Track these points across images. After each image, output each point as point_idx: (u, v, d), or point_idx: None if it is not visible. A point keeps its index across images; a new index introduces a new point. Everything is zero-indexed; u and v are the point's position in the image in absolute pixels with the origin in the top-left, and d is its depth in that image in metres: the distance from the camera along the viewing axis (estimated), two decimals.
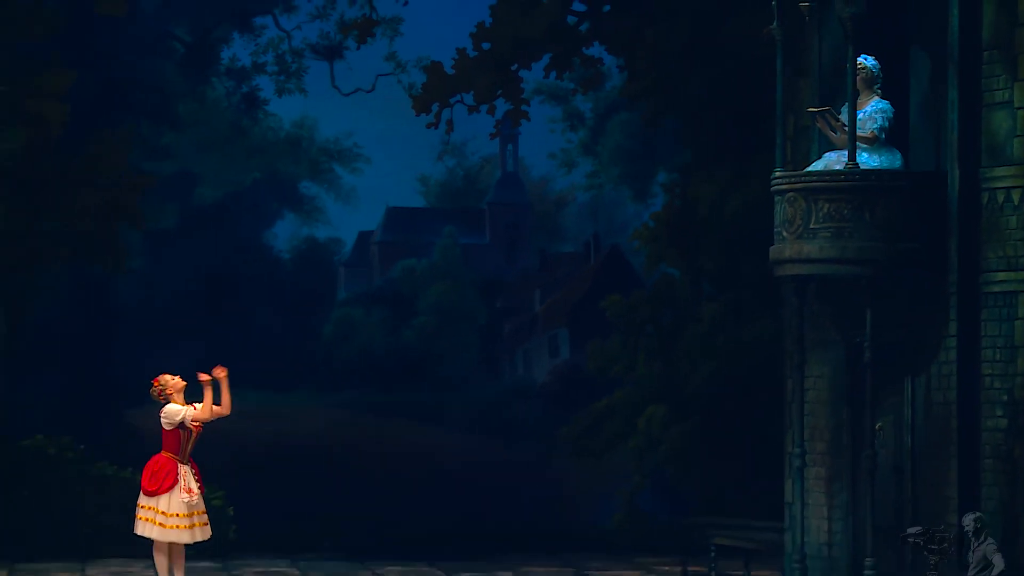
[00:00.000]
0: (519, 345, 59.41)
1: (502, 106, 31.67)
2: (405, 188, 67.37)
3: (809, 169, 21.74)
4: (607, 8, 30.23)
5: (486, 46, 30.68)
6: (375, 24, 34.83)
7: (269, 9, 46.67)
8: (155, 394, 21.84)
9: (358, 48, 35.69)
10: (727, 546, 24.75)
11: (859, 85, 21.51)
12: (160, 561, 21.61)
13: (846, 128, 21.36)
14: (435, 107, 31.44)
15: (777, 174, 22.03)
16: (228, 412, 21.85)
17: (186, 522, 21.37)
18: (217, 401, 21.63)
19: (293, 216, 59.37)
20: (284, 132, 55.44)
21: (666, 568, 26.46)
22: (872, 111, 21.54)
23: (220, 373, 21.58)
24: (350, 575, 26.06)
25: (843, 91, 21.61)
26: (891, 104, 21.66)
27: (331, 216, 61.97)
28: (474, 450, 46.30)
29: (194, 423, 21.48)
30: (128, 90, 37.62)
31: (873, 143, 21.48)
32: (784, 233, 21.77)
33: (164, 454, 21.66)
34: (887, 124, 21.56)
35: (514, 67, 30.85)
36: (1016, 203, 20.83)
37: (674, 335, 30.19)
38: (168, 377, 21.77)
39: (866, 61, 21.55)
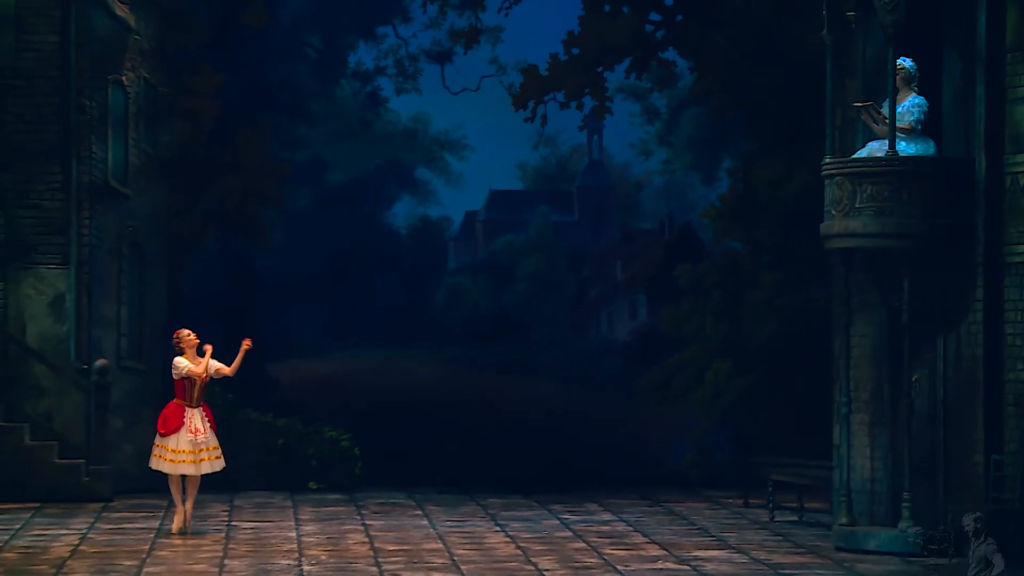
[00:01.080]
0: (603, 308, 59.27)
1: (589, 103, 31.78)
2: (505, 173, 67.21)
3: (855, 156, 21.65)
4: (679, 18, 30.22)
5: (575, 51, 30.78)
6: (480, 32, 34.94)
7: (389, 20, 46.73)
8: (174, 344, 22.77)
9: (465, 53, 35.94)
10: (783, 482, 24.80)
11: (898, 83, 21.41)
12: (174, 491, 22.60)
13: (887, 120, 21.26)
14: (531, 104, 31.62)
15: (827, 160, 21.99)
16: (232, 374, 22.98)
17: (191, 457, 22.40)
18: (228, 364, 22.79)
19: (409, 198, 59.32)
20: (402, 126, 55.39)
21: (730, 501, 26.48)
22: (910, 105, 21.44)
23: (246, 345, 22.75)
24: (458, 506, 26.11)
25: (884, 88, 21.50)
26: (926, 99, 21.55)
27: (442, 198, 61.85)
28: (563, 399, 46.26)
29: (197, 375, 22.36)
30: (268, 90, 37.73)
31: (910, 133, 21.38)
32: (833, 211, 21.72)
33: (174, 400, 22.57)
34: (922, 117, 21.47)
35: (599, 69, 30.92)
36: None
37: (737, 300, 30.14)
38: (185, 333, 22.75)
39: (904, 62, 21.44)
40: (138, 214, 28.62)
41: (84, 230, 26.82)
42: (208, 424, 22.71)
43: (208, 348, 22.69)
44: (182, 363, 22.42)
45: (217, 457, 22.81)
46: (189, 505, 22.69)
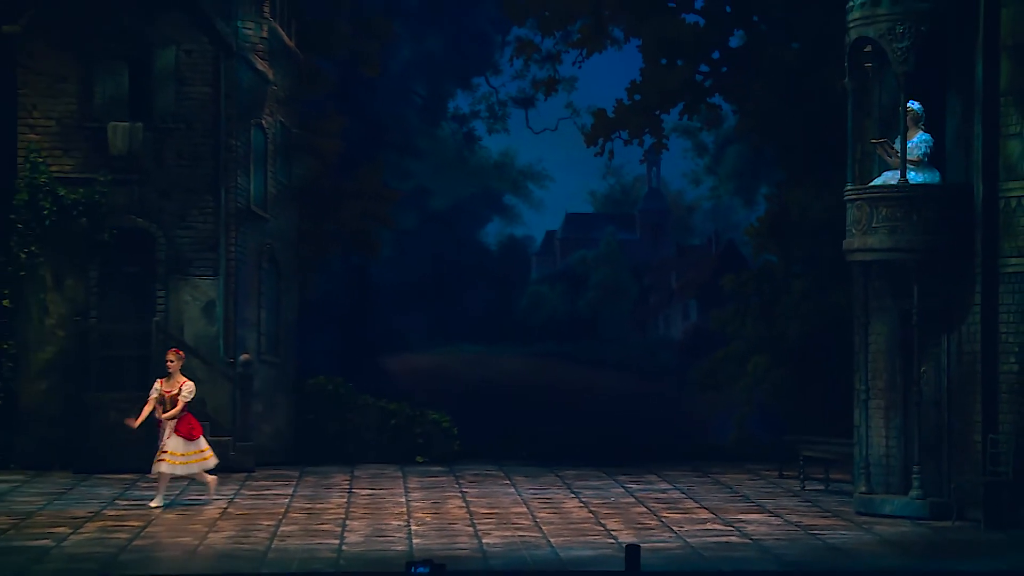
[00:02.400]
0: (660, 311, 59.15)
1: (648, 140, 31.76)
2: (579, 199, 67.15)
3: (872, 184, 21.61)
4: (724, 69, 30.17)
5: (637, 97, 30.75)
6: (557, 82, 34.96)
7: (482, 72, 46.83)
8: (173, 362, 21.66)
9: (546, 99, 35.98)
10: (812, 457, 24.72)
11: (908, 122, 21.33)
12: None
13: (899, 154, 21.22)
14: (600, 141, 31.60)
15: (848, 187, 21.96)
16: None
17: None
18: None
19: (499, 219, 59.38)
20: (493, 160, 55.48)
21: (767, 473, 26.36)
22: (918, 141, 21.37)
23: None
24: (539, 476, 26.06)
25: (897, 127, 21.46)
26: (931, 136, 21.47)
27: (526, 220, 61.87)
28: (626, 386, 46.15)
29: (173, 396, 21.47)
30: (382, 130, 37.90)
31: (919, 165, 21.31)
32: (854, 230, 21.68)
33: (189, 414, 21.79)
34: (929, 151, 21.40)
35: (657, 112, 30.89)
36: None
37: (773, 304, 30.03)
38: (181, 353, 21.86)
39: (913, 104, 21.35)
40: (274, 234, 28.78)
41: (231, 247, 26.94)
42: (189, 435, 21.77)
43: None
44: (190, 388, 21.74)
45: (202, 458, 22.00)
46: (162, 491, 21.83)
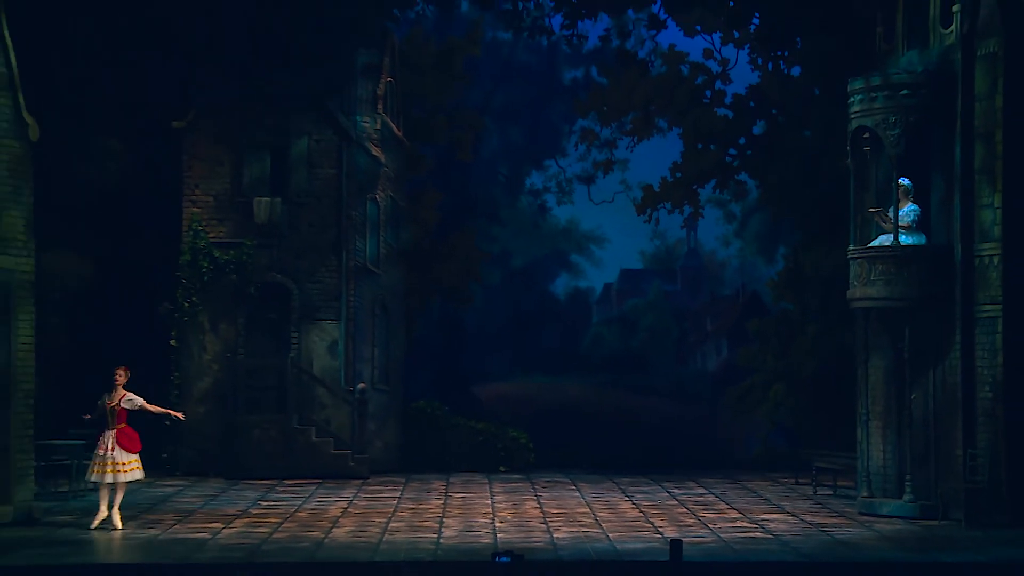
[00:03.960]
0: (697, 349, 59.12)
1: (687, 210, 31.72)
2: (631, 257, 67.45)
3: (870, 245, 21.52)
4: (749, 152, 30.13)
5: (679, 175, 30.74)
6: (613, 163, 35.08)
7: (552, 155, 47.28)
8: (119, 377, 18.92)
9: (604, 177, 36.21)
10: (822, 467, 24.51)
11: (900, 195, 21.27)
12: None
13: (892, 221, 21.15)
14: (648, 210, 31.56)
15: (851, 248, 21.87)
16: (145, 409, 18.95)
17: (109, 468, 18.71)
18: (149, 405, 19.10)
19: (566, 274, 59.77)
20: (561, 226, 55.96)
21: (785, 480, 26.08)
22: (908, 211, 21.26)
23: (178, 415, 19.57)
24: (599, 482, 25.91)
25: (890, 199, 21.42)
26: (919, 206, 21.35)
27: (588, 274, 62.24)
28: (670, 410, 46.11)
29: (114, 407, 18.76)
30: (472, 203, 38.15)
31: (908, 230, 21.20)
32: (855, 282, 21.58)
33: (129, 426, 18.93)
34: (916, 218, 21.30)
35: (694, 187, 30.88)
36: (996, 264, 20.45)
37: (789, 343, 29.83)
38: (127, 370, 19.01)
39: (904, 181, 21.26)
40: (385, 286, 28.82)
41: (350, 297, 26.98)
42: (116, 443, 18.75)
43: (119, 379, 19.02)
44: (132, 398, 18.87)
45: (126, 470, 18.76)
46: (103, 507, 18.90)
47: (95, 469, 18.75)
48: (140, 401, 18.95)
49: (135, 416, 19.14)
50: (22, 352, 21.06)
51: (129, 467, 18.69)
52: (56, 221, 24.35)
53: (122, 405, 18.74)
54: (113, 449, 18.64)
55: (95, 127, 25.66)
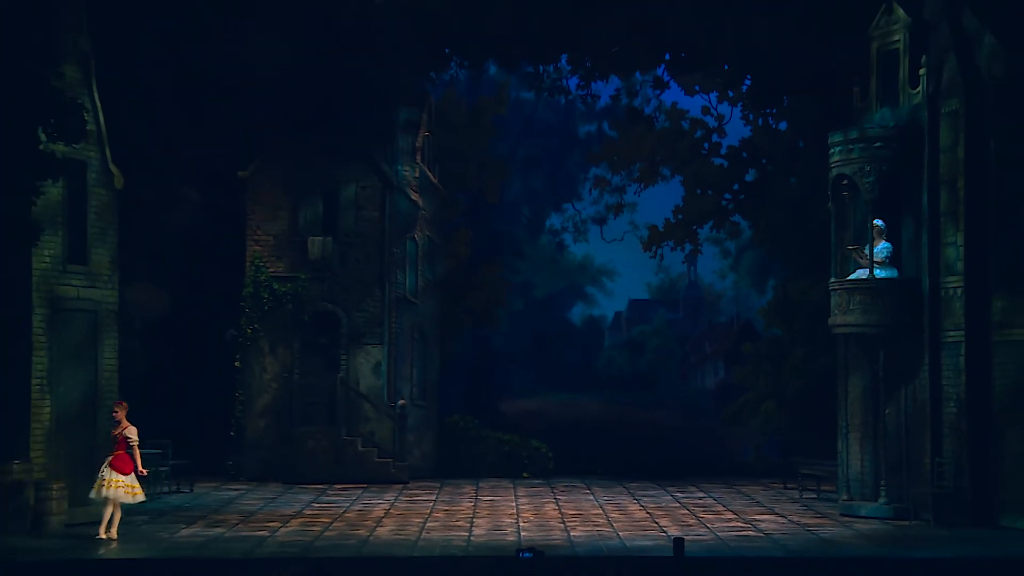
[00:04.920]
0: (698, 369, 59.02)
1: (688, 247, 31.61)
2: (639, 289, 67.47)
3: (849, 278, 21.48)
4: (742, 196, 30.11)
5: (680, 216, 30.65)
6: (623, 207, 34.96)
7: (570, 199, 47.37)
8: (117, 412, 18.33)
9: (615, 218, 36.09)
10: (808, 474, 24.38)
11: (874, 234, 21.26)
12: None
13: (868, 257, 21.15)
14: (654, 247, 31.40)
15: (832, 280, 21.85)
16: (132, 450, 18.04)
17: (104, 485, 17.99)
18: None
19: (581, 304, 59.85)
20: (577, 262, 56.09)
21: (775, 485, 25.90)
22: (881, 248, 21.26)
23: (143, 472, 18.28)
24: (611, 487, 25.79)
25: (867, 237, 21.41)
26: (891, 244, 21.34)
27: (601, 304, 62.32)
28: (674, 423, 45.98)
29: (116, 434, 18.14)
30: (499, 241, 38.13)
31: (882, 265, 21.19)
32: (836, 311, 21.57)
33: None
34: (889, 255, 21.30)
35: (694, 227, 30.78)
36: (959, 295, 20.47)
37: (779, 365, 29.59)
38: (124, 404, 18.43)
39: (878, 222, 21.26)
40: (423, 314, 28.65)
41: (392, 324, 26.91)
42: (110, 466, 18.16)
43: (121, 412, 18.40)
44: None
45: (112, 486, 18.04)
46: (106, 519, 18.12)
47: (96, 488, 18.09)
48: (135, 441, 18.22)
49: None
50: (107, 372, 21.35)
51: (118, 485, 17.98)
52: (138, 258, 24.58)
53: (125, 434, 18.11)
54: (106, 469, 18.10)
55: (172, 178, 25.74)
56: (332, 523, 19.99)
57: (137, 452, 18.26)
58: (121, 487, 18.06)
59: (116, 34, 21.87)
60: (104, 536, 17.97)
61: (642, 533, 19.15)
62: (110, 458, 18.20)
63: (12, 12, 18.09)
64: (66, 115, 19.01)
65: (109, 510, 18.09)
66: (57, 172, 19.29)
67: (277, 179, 26.65)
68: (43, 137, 19.19)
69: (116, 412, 18.48)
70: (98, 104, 21.11)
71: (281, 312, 26.49)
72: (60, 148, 19.64)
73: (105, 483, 18.02)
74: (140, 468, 18.30)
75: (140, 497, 18.33)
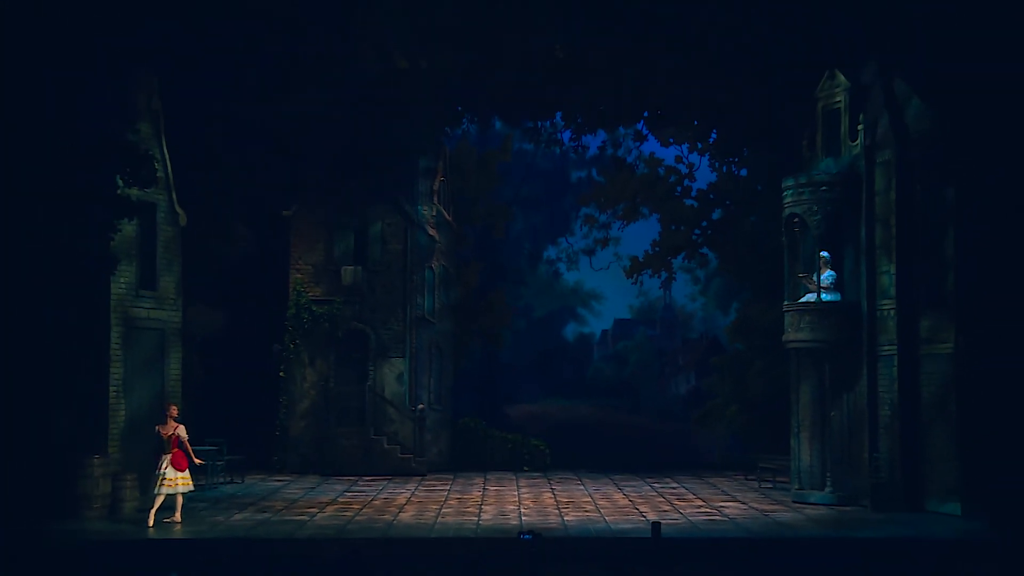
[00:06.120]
0: (672, 379, 58.95)
1: (664, 275, 31.44)
2: (623, 310, 67.51)
3: (800, 300, 21.56)
4: (710, 232, 30.09)
5: (657, 249, 30.57)
6: (608, 240, 35.01)
7: (564, 234, 47.49)
8: (170, 413, 18.18)
9: (602, 250, 35.85)
10: (765, 467, 24.35)
11: (821, 264, 21.33)
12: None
13: (815, 283, 21.26)
14: (635, 275, 31.23)
15: (786, 303, 21.92)
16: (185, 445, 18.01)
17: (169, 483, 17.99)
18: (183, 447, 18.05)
19: (574, 323, 59.96)
20: (570, 287, 56.24)
21: (738, 477, 25.82)
22: (827, 276, 21.33)
23: (197, 461, 18.31)
24: (599, 478, 25.68)
25: (815, 267, 21.48)
26: (836, 272, 21.41)
27: (591, 323, 62.43)
28: (653, 425, 45.85)
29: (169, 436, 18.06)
30: (503, 270, 38.09)
31: (828, 290, 21.26)
32: (789, 329, 21.64)
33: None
34: (834, 281, 21.36)
35: (669, 258, 30.71)
36: (892, 316, 20.52)
37: (742, 374, 29.41)
38: (175, 408, 18.33)
39: (824, 253, 21.35)
40: (439, 332, 28.56)
41: (413, 340, 26.80)
42: (170, 464, 18.06)
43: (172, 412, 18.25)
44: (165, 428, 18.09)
45: (173, 484, 18.03)
46: (155, 508, 17.95)
47: (156, 483, 18.06)
48: (185, 438, 18.18)
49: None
50: (172, 381, 21.57)
51: (178, 481, 18.09)
52: (198, 284, 24.64)
53: (178, 434, 18.07)
54: (167, 468, 18.05)
55: (228, 216, 25.77)
56: (362, 509, 20.04)
57: (189, 446, 18.17)
58: (180, 483, 18.15)
59: (183, 95, 22.16)
60: (152, 525, 17.72)
61: (625, 517, 19.19)
62: (168, 457, 18.02)
63: (97, 80, 18.41)
64: (140, 165, 19.31)
65: (160, 500, 18.00)
66: (132, 212, 19.57)
67: (316, 218, 26.68)
68: (120, 183, 19.52)
69: (170, 412, 18.16)
70: (166, 155, 21.43)
71: (319, 330, 26.49)
72: (134, 192, 19.95)
73: (167, 481, 18.00)
74: (196, 459, 18.33)
75: (191, 487, 18.37)
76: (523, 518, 19.09)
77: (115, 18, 18.45)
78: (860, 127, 21.15)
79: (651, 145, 30.92)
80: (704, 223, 30.12)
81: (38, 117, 17.28)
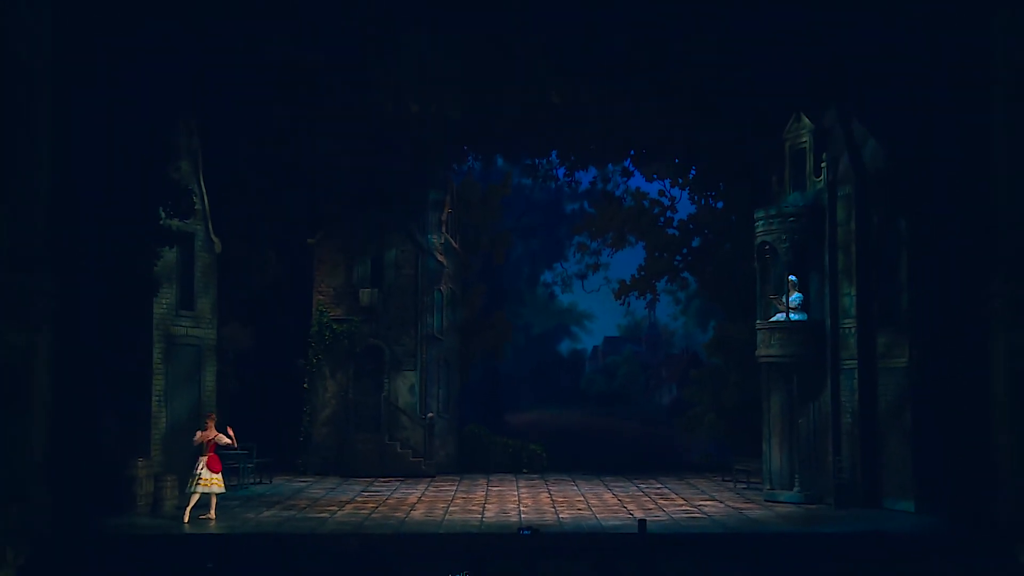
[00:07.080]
0: (656, 389, 58.94)
1: (650, 296, 31.42)
2: (612, 328, 67.50)
3: (771, 320, 21.60)
4: (691, 258, 30.11)
5: (643, 273, 30.61)
6: (599, 265, 35.05)
7: (559, 260, 47.63)
8: (209, 421, 18.15)
9: (593, 274, 35.94)
10: (740, 468, 24.26)
11: (790, 287, 21.37)
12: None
13: (784, 304, 21.31)
14: (624, 297, 31.19)
15: (759, 322, 21.92)
16: (231, 444, 18.10)
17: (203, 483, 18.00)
18: (222, 439, 18.08)
19: (568, 340, 59.97)
20: (564, 307, 56.32)
21: (716, 478, 25.68)
22: (795, 297, 21.36)
23: (234, 445, 18.23)
24: (591, 480, 25.54)
25: (784, 289, 21.50)
26: (803, 294, 21.43)
27: (583, 340, 62.46)
28: (640, 431, 45.76)
29: (201, 439, 18.08)
30: (504, 292, 38.06)
31: (796, 310, 21.30)
32: (761, 345, 21.65)
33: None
34: (801, 302, 21.37)
35: (654, 281, 30.63)
36: (853, 334, 20.58)
37: (720, 386, 29.31)
38: (214, 416, 18.42)
39: (792, 277, 21.40)
40: (447, 348, 28.48)
41: (423, 355, 26.76)
42: (207, 469, 18.10)
43: (210, 422, 18.29)
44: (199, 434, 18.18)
45: (208, 485, 18.06)
46: (191, 506, 18.01)
47: (192, 483, 18.12)
48: (225, 440, 18.26)
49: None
50: (208, 392, 21.74)
51: (212, 482, 18.15)
52: (231, 305, 24.74)
53: (215, 441, 18.13)
54: (203, 469, 18.12)
55: (258, 244, 25.87)
56: (377, 507, 20.06)
57: (234, 439, 18.16)
58: (214, 483, 18.24)
59: (219, 136, 22.40)
60: (187, 521, 17.69)
61: (614, 515, 19.21)
62: (204, 459, 18.09)
63: (141, 126, 18.70)
64: (180, 198, 19.58)
65: (195, 499, 18.04)
66: (172, 241, 19.79)
67: (337, 245, 26.74)
68: (163, 215, 19.73)
69: (210, 420, 18.23)
70: (204, 189, 21.66)
71: (339, 346, 26.50)
72: (175, 223, 20.15)
73: (203, 481, 18.04)
74: (235, 444, 18.27)
75: (223, 489, 18.45)
76: (522, 515, 19.17)
77: (168, 70, 18.60)
78: (823, 164, 21.29)
79: (637, 180, 31.21)
80: (685, 250, 30.13)
81: (97, 156, 17.50)
